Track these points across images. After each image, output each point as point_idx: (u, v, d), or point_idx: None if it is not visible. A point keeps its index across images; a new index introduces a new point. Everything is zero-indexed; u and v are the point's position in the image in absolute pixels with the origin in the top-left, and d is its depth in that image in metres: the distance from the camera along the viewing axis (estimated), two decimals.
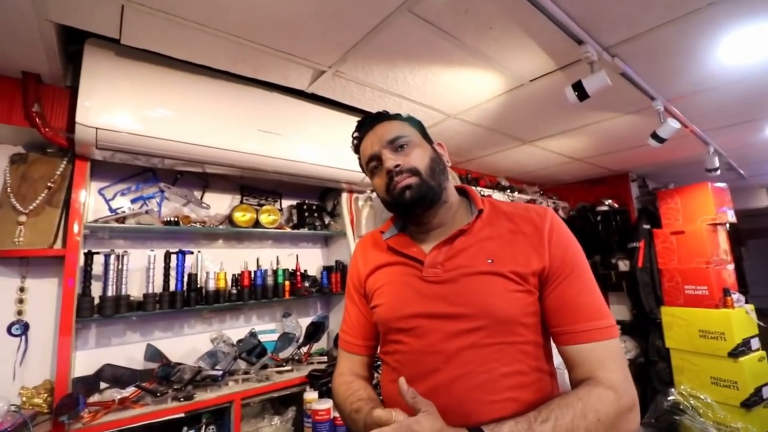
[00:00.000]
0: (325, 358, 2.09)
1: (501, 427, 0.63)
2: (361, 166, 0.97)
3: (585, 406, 0.65)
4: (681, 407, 2.77)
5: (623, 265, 3.45)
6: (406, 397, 0.65)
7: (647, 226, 3.37)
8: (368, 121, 0.93)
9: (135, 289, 1.78)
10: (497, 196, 3.04)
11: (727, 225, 3.19)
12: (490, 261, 0.79)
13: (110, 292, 1.61)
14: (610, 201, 3.60)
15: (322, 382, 1.79)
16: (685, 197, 3.23)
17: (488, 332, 0.75)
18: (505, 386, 0.73)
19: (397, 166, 0.83)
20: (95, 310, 1.58)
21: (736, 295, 2.90)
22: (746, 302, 2.99)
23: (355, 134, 0.96)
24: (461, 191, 0.95)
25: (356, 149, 0.97)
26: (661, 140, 1.96)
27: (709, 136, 2.53)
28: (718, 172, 2.68)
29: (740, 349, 2.71)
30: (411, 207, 0.84)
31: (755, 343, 2.87)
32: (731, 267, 3.13)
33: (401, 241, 0.91)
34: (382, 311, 0.87)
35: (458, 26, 1.35)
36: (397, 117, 0.93)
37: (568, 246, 0.80)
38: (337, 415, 1.70)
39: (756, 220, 4.95)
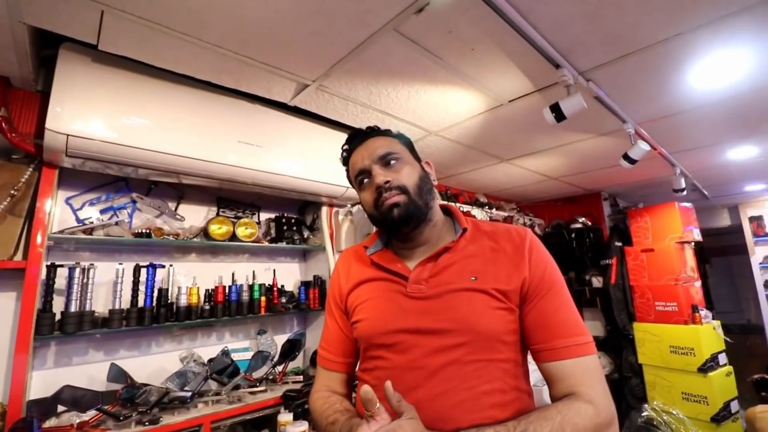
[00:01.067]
0: (300, 378, 2.03)
1: None
2: (348, 178, 0.97)
3: (563, 419, 0.66)
4: (654, 423, 2.82)
5: (597, 282, 3.54)
6: (391, 401, 0.65)
7: (619, 244, 3.49)
8: (359, 135, 0.94)
9: (100, 305, 1.69)
10: (476, 212, 3.08)
11: (693, 243, 3.34)
12: (473, 278, 0.80)
13: (73, 308, 1.52)
14: (583, 219, 3.71)
15: (297, 403, 1.73)
16: (654, 216, 3.36)
17: (471, 348, 0.75)
18: (486, 404, 0.73)
19: (387, 182, 0.84)
20: (56, 326, 1.48)
21: (703, 312, 3.01)
22: (713, 318, 3.10)
23: (345, 147, 0.96)
24: (444, 209, 0.96)
25: (345, 161, 0.98)
26: (632, 161, 2.04)
27: (675, 159, 2.66)
28: (684, 192, 2.80)
29: (709, 365, 2.80)
30: (398, 225, 0.85)
31: (723, 359, 2.97)
32: (698, 284, 3.26)
33: (386, 257, 0.91)
34: (364, 327, 0.86)
35: (442, 46, 1.38)
36: (387, 133, 0.94)
37: (547, 265, 0.82)
38: None
39: (719, 238, 5.19)
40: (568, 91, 1.50)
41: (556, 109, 1.51)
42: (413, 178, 0.87)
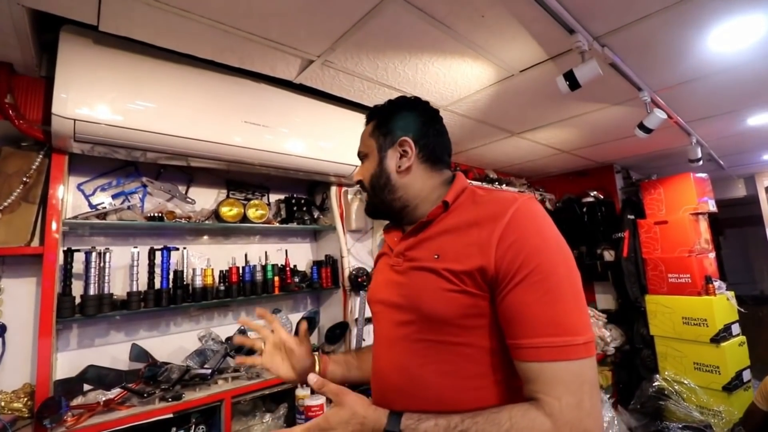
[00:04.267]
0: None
1: (419, 425, 0.65)
2: None
3: (511, 428, 0.61)
4: (666, 392, 2.85)
5: (609, 255, 3.51)
6: (317, 390, 0.72)
7: (631, 217, 3.43)
8: (366, 118, 0.98)
9: (118, 288, 1.73)
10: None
11: (707, 215, 3.28)
12: (436, 256, 0.75)
13: (92, 291, 1.55)
14: (595, 192, 3.65)
15: None
16: (667, 188, 3.30)
17: (418, 327, 0.75)
18: (438, 384, 0.72)
19: (359, 181, 0.93)
20: (76, 309, 1.52)
21: (717, 283, 2.98)
22: (726, 289, 3.08)
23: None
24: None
25: None
26: (647, 131, 1.98)
27: (692, 127, 2.58)
28: (701, 162, 2.73)
29: (722, 335, 2.79)
30: (373, 217, 0.95)
31: (736, 329, 2.97)
32: (712, 255, 3.22)
33: (391, 233, 0.95)
34: (367, 296, 0.97)
35: (450, 14, 1.32)
36: (372, 116, 0.95)
37: (525, 245, 0.67)
38: None
39: (733, 209, 5.09)
40: (583, 58, 1.44)
41: (570, 77, 1.45)
42: (367, 176, 0.90)
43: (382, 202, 0.88)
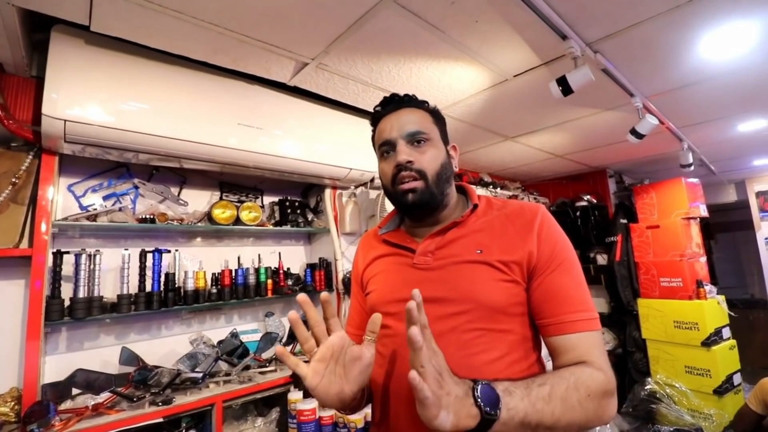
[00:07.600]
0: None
1: (508, 385, 0.63)
2: (373, 140, 0.96)
3: (578, 380, 0.68)
4: (657, 396, 2.86)
5: (601, 259, 3.53)
6: (411, 324, 0.60)
7: (624, 221, 3.46)
8: (395, 102, 0.91)
9: (108, 290, 1.71)
10: (480, 192, 3.06)
11: (699, 219, 3.31)
12: (479, 251, 0.81)
13: (82, 294, 1.53)
14: (588, 196, 3.68)
15: None
16: (659, 192, 3.33)
17: (471, 317, 0.76)
18: (486, 373, 0.73)
19: (410, 162, 0.84)
20: (66, 312, 1.50)
21: (708, 287, 3.01)
22: (717, 293, 3.11)
23: (378, 108, 0.93)
24: (459, 188, 0.97)
25: (374, 123, 0.95)
26: (639, 136, 2.00)
27: (683, 133, 2.61)
28: (692, 167, 2.76)
29: (712, 339, 2.81)
30: (410, 209, 0.87)
31: (726, 333, 2.99)
32: (703, 260, 3.25)
33: (396, 235, 0.94)
34: (373, 297, 0.91)
35: (444, 18, 1.33)
36: (423, 105, 0.92)
37: (557, 240, 0.82)
38: (322, 414, 1.68)
39: (724, 214, 5.15)
40: (576, 64, 1.45)
41: (562, 82, 1.47)
42: (435, 164, 0.85)
43: (441, 194, 0.86)
